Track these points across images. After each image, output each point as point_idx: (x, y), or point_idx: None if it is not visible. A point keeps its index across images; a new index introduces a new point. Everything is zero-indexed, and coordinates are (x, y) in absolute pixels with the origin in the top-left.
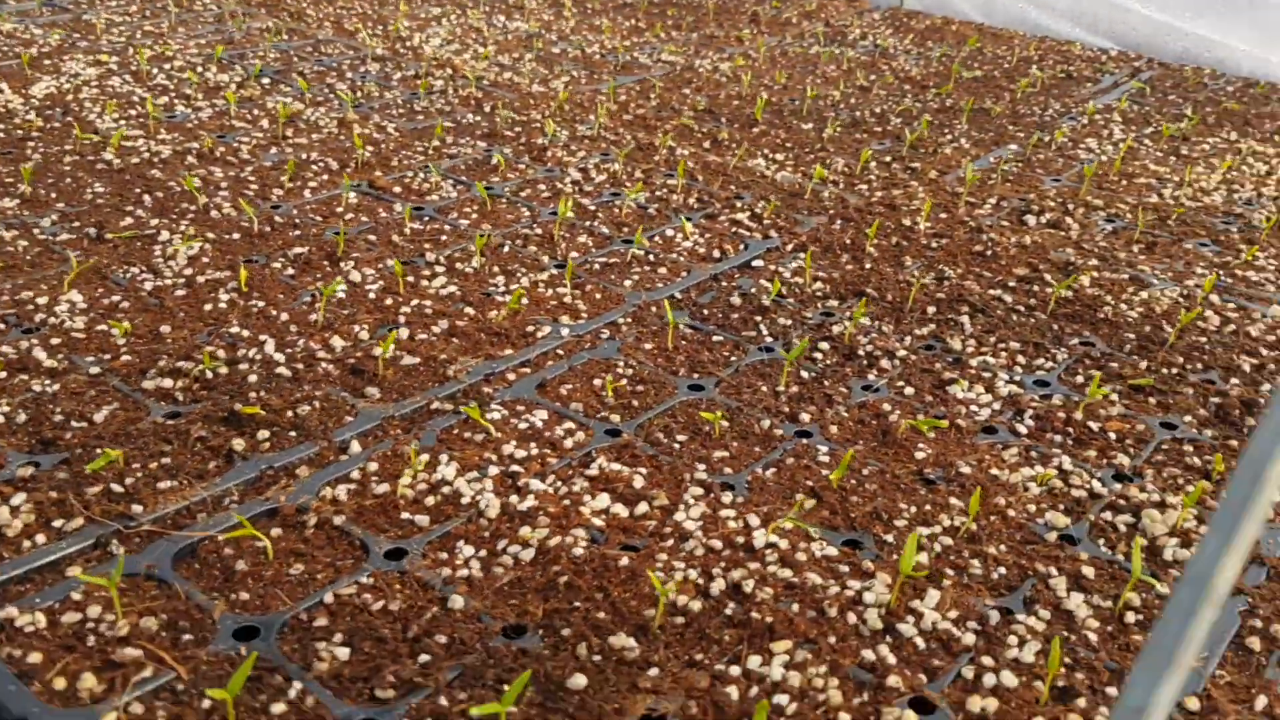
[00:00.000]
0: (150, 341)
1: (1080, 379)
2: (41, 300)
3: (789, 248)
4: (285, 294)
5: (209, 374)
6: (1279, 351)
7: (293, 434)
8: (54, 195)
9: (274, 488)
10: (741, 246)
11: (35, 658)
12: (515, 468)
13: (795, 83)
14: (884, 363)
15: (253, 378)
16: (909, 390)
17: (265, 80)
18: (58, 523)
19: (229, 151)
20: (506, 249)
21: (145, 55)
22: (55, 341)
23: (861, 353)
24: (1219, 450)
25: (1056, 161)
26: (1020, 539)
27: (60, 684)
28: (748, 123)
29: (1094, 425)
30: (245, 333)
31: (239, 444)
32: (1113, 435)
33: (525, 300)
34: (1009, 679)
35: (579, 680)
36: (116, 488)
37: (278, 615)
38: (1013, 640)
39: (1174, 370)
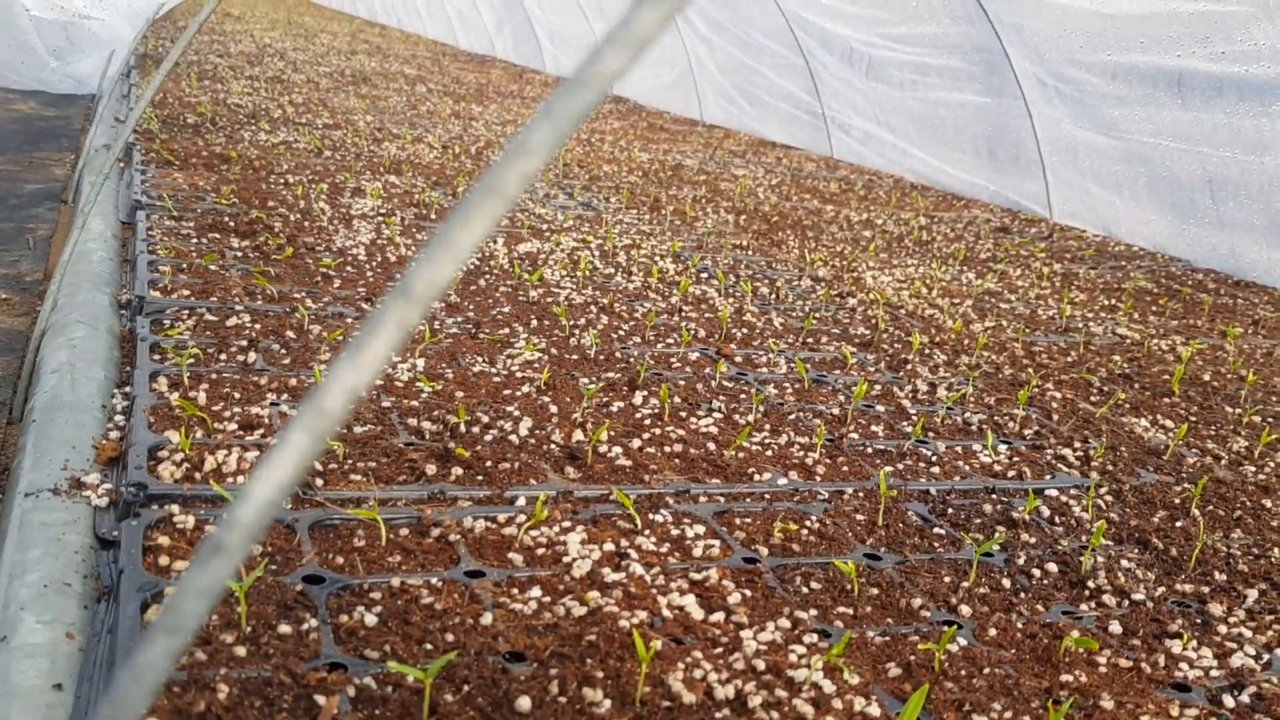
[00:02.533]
0: (442, 399)
1: None
2: (398, 360)
3: (1102, 490)
4: (572, 399)
5: (461, 428)
6: None
7: (479, 478)
8: (470, 305)
9: (431, 506)
10: (1047, 476)
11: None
12: (631, 551)
13: (1259, 377)
14: (1108, 599)
15: (488, 438)
16: (1115, 628)
17: (703, 274)
18: None
19: (627, 311)
20: (792, 417)
21: (617, 241)
22: (378, 382)
23: (1091, 585)
24: None
25: None
26: None
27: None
28: (1160, 390)
29: None
30: (517, 413)
31: (430, 469)
32: None
33: (769, 453)
34: None
35: (524, 703)
36: (316, 466)
37: (345, 578)
38: None
39: None
